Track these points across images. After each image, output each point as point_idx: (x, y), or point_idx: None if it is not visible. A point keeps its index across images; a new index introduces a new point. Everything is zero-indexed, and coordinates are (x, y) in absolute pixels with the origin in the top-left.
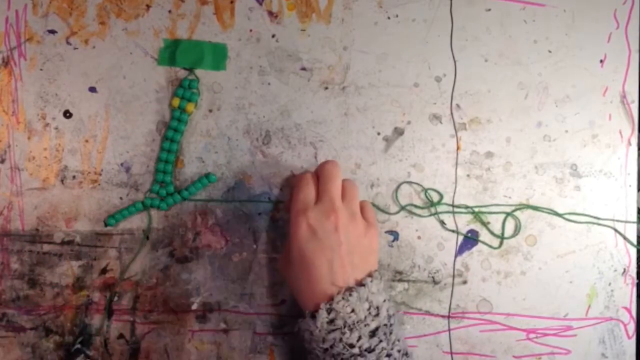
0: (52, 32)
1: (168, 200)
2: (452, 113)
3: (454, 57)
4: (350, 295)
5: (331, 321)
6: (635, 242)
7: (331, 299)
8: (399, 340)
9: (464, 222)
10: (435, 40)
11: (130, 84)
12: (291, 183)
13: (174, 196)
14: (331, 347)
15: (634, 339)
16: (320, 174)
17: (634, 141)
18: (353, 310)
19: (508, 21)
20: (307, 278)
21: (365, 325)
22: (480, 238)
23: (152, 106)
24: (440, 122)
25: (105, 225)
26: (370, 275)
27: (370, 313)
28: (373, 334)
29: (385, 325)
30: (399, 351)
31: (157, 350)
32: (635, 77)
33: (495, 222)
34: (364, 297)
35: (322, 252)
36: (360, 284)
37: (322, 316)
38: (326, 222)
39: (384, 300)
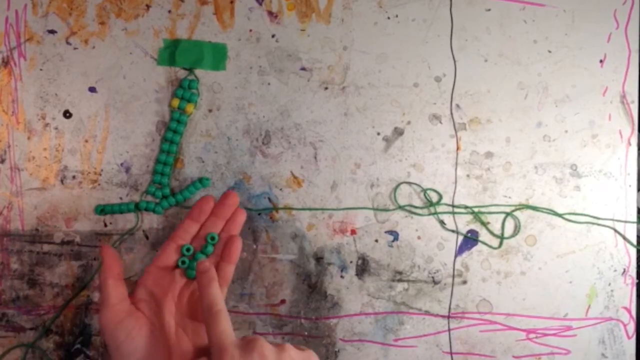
0: (52, 32)
1: (163, 203)
2: (452, 113)
3: (453, 57)
4: None
5: None
6: (635, 242)
7: None
8: None
9: (464, 222)
10: (435, 40)
11: (130, 84)
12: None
13: (168, 199)
14: None
15: (633, 339)
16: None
17: (634, 141)
18: None
19: (508, 21)
20: None
21: None
22: (480, 238)
23: (152, 106)
24: (440, 122)
25: (95, 212)
26: None
27: None
28: None
29: None
30: None
31: None
32: (635, 77)
33: (495, 222)
34: None
35: None
36: None
37: None
38: None
39: None
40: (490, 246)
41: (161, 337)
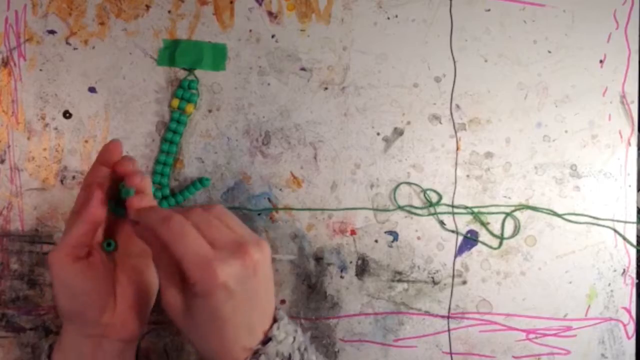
0: (52, 32)
1: (162, 204)
2: (451, 113)
3: (453, 58)
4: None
5: None
6: (634, 243)
7: None
8: None
9: (464, 223)
10: (435, 40)
11: (130, 84)
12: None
13: (168, 200)
14: None
15: (633, 339)
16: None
17: (634, 141)
18: None
19: (508, 21)
20: (219, 341)
21: None
22: (480, 238)
23: (152, 107)
24: (440, 123)
25: None
26: (274, 318)
27: None
28: None
29: None
30: None
31: (157, 350)
32: (635, 77)
33: (495, 223)
34: (273, 354)
35: (240, 312)
36: (266, 337)
37: None
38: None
39: (292, 341)
40: (490, 246)
41: (107, 279)
